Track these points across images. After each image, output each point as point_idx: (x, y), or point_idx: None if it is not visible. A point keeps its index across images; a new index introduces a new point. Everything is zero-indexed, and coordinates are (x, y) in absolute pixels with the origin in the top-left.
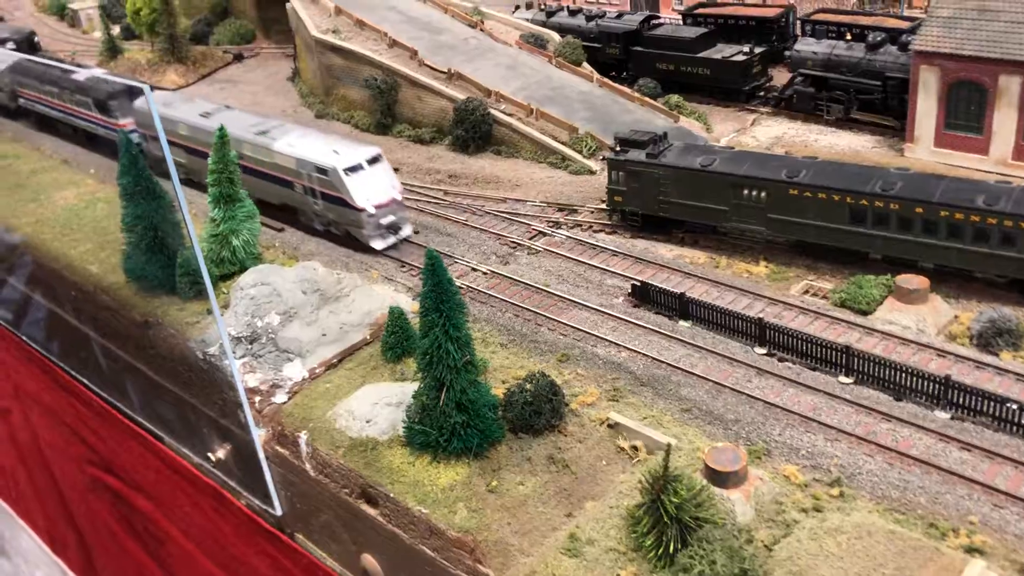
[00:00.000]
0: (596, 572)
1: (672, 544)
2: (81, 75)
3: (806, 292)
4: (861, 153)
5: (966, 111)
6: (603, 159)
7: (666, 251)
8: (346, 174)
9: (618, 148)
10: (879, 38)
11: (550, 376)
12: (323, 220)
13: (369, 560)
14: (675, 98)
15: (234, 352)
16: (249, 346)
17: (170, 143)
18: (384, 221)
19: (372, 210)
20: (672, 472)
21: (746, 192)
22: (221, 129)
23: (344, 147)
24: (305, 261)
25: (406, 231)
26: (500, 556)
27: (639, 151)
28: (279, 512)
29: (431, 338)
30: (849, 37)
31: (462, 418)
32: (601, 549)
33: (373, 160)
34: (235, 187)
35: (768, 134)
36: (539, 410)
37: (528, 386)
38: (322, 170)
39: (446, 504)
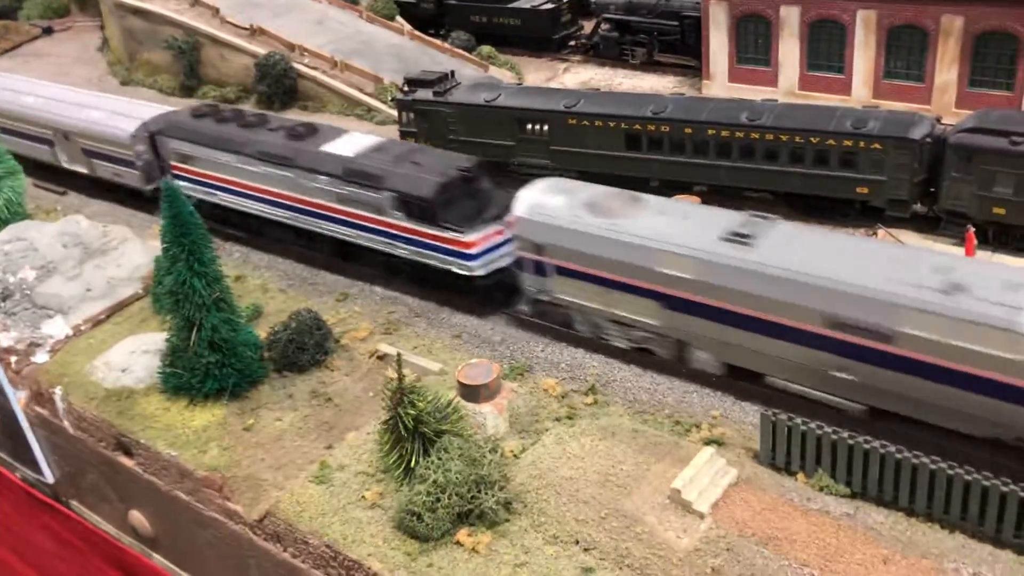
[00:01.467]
0: (341, 496)
1: (414, 458)
2: (341, 145)
3: None
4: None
5: (755, 44)
6: (391, 100)
7: None
8: None
9: (406, 88)
10: None
11: (315, 312)
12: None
13: (136, 516)
14: (487, 49)
15: None
16: (1, 303)
17: None
18: None
19: None
20: (409, 385)
21: (529, 126)
22: None
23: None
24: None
25: None
26: (251, 491)
27: (427, 90)
28: (51, 480)
29: (175, 275)
30: None
31: (216, 358)
32: (350, 474)
33: None
34: None
35: (577, 80)
36: (302, 346)
37: (292, 323)
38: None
39: (197, 445)
